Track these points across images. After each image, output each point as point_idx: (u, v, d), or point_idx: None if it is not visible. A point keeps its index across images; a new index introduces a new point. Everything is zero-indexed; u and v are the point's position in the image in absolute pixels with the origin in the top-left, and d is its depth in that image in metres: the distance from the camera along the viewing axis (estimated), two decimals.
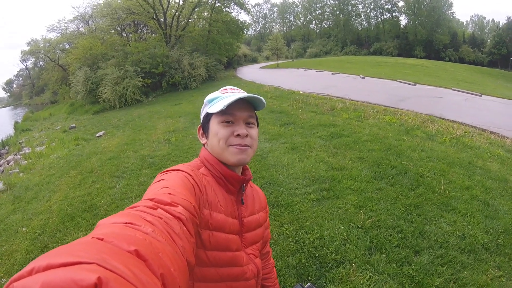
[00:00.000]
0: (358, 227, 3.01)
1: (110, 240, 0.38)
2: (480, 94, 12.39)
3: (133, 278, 0.32)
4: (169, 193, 0.61)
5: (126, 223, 0.45)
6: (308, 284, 1.26)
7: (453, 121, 7.42)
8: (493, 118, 8.09)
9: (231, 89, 0.92)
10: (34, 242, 3.48)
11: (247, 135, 0.87)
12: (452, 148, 5.19)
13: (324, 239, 2.87)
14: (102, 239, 0.38)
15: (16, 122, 21.09)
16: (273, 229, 3.10)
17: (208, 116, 0.90)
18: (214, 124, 0.88)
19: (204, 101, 0.94)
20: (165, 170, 0.78)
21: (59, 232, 3.62)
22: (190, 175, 0.75)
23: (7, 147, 12.53)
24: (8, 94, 77.96)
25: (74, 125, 12.96)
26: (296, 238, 2.93)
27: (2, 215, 4.51)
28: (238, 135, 0.86)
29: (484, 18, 66.05)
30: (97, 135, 9.72)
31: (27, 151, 9.95)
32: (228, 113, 0.86)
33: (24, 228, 3.88)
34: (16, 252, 3.37)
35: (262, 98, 0.88)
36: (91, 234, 0.40)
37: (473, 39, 55.84)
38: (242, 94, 0.88)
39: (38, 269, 0.30)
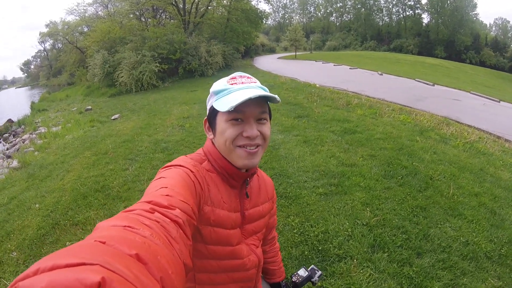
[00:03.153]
0: (363, 224, 3.04)
1: (112, 244, 0.39)
2: (498, 100, 12.07)
3: (135, 280, 0.34)
4: (167, 194, 0.60)
5: (125, 226, 0.45)
6: (312, 266, 1.31)
7: (469, 126, 7.29)
8: (509, 125, 7.90)
9: (240, 77, 0.82)
10: (46, 218, 3.57)
11: (257, 135, 0.80)
12: (464, 152, 5.12)
13: (329, 233, 2.91)
14: (104, 243, 0.39)
15: (33, 102, 21.58)
16: (279, 219, 3.15)
17: (215, 110, 0.81)
18: (221, 121, 0.80)
19: (210, 90, 0.85)
20: (167, 165, 0.77)
21: (71, 210, 3.71)
22: (192, 172, 0.74)
23: (23, 126, 12.84)
24: (26, 74, 79.51)
25: (90, 107, 13.19)
26: (301, 230, 2.98)
27: (16, 192, 4.64)
28: (247, 136, 0.79)
29: (508, 22, 63.33)
30: (112, 117, 9.91)
31: (43, 130, 10.18)
32: (237, 110, 0.76)
33: (37, 205, 3.98)
34: (27, 227, 3.46)
35: (276, 96, 0.77)
36: (92, 237, 0.41)
37: (496, 42, 53.99)
38: (252, 90, 0.78)
39: (44, 269, 0.31)
